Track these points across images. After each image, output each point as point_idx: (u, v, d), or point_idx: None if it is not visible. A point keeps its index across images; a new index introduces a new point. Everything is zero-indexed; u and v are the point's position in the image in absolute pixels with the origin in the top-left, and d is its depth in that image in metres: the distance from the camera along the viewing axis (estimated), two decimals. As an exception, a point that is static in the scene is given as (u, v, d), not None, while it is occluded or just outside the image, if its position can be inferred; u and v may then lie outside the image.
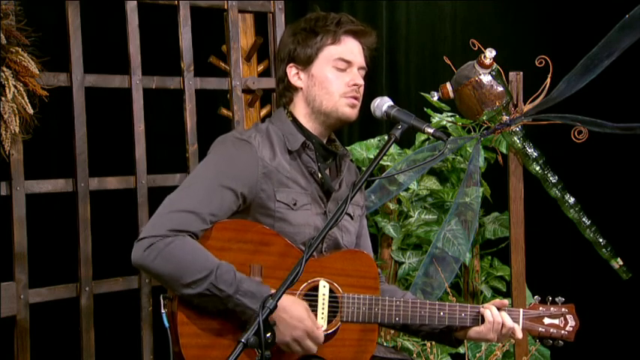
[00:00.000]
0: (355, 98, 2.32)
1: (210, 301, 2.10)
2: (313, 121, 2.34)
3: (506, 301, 2.38)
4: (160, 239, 2.08)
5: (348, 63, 2.32)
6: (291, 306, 2.11)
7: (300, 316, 2.11)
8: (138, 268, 2.15)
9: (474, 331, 2.35)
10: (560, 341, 2.40)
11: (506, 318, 2.33)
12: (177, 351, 2.12)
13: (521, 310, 2.39)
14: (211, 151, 2.30)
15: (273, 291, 2.09)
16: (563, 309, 2.41)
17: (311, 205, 2.30)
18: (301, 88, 2.34)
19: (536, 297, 2.42)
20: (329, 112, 2.32)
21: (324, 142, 2.36)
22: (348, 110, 2.32)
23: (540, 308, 2.40)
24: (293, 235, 2.24)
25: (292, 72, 2.34)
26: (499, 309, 2.34)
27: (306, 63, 2.32)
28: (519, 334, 2.34)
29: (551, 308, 2.40)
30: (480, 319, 2.34)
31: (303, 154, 2.31)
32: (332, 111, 2.31)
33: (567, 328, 2.39)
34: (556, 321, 2.40)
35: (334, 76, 2.31)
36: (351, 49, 2.33)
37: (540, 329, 2.39)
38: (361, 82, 2.33)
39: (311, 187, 2.31)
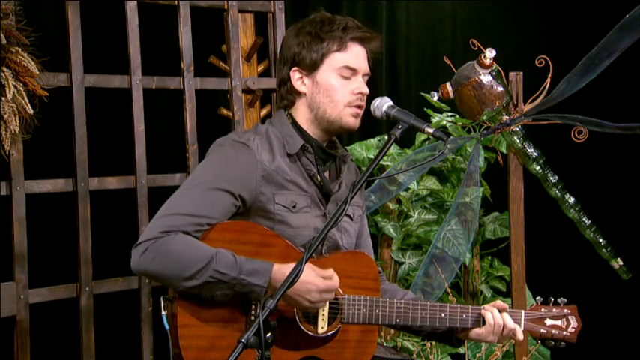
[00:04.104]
0: (359, 107, 2.31)
1: (217, 288, 2.10)
2: (315, 127, 2.33)
3: (506, 305, 2.37)
4: (154, 241, 2.09)
5: (354, 70, 2.30)
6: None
7: (307, 279, 2.11)
8: (138, 274, 2.16)
9: (475, 332, 2.34)
10: (562, 342, 2.40)
11: (507, 320, 2.32)
12: (177, 352, 2.12)
13: (522, 311, 2.39)
14: (209, 154, 2.29)
15: (276, 265, 2.10)
16: (565, 310, 2.40)
17: (310, 207, 2.29)
18: (305, 94, 2.32)
19: (538, 298, 2.41)
20: (332, 120, 2.31)
21: (324, 145, 2.35)
22: (352, 120, 2.31)
23: (542, 309, 2.39)
24: (293, 237, 2.24)
25: (296, 76, 2.32)
26: (500, 311, 2.33)
27: (310, 68, 2.30)
28: (520, 336, 2.34)
29: (553, 309, 2.39)
30: (481, 320, 2.34)
31: (302, 157, 2.30)
32: (335, 120, 2.30)
33: (569, 329, 2.39)
34: (558, 322, 2.39)
35: (339, 84, 2.29)
36: (356, 56, 2.30)
37: (542, 330, 2.38)
38: (367, 90, 2.31)
39: (311, 190, 2.30)
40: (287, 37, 2.35)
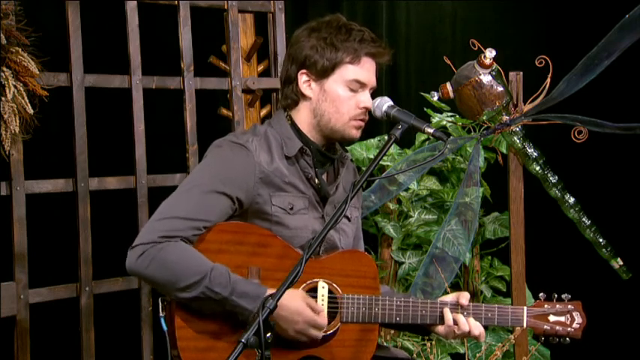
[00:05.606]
0: (363, 121, 2.31)
1: (207, 304, 2.10)
2: (316, 132, 2.33)
3: (465, 294, 2.34)
4: (152, 245, 2.09)
5: (363, 85, 2.29)
6: (289, 301, 2.10)
7: (297, 309, 2.11)
8: (133, 275, 2.16)
9: (437, 329, 2.34)
10: (567, 339, 2.38)
11: (460, 320, 2.30)
12: (175, 355, 2.12)
13: (524, 307, 2.38)
14: (207, 156, 2.29)
15: (270, 291, 2.10)
16: (569, 306, 2.38)
17: (308, 209, 2.29)
18: (310, 98, 2.31)
19: (541, 294, 2.39)
20: (336, 130, 2.30)
21: (323, 148, 2.34)
22: (354, 132, 2.31)
23: (545, 306, 2.38)
24: (290, 238, 2.24)
25: (303, 79, 2.31)
26: (457, 307, 2.32)
27: (320, 75, 2.28)
28: (474, 331, 2.31)
29: (557, 305, 2.38)
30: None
31: (300, 160, 2.30)
32: (339, 130, 2.30)
33: (574, 326, 2.37)
34: (562, 318, 2.37)
35: (347, 96, 2.28)
36: (368, 70, 2.30)
37: (545, 327, 2.36)
38: (371, 105, 2.30)
39: (309, 192, 2.30)
40: (300, 36, 2.32)
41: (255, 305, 2.07)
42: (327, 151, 2.36)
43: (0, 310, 2.74)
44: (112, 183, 3.03)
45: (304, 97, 2.32)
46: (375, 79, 2.33)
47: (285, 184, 2.26)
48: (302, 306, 2.13)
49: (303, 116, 2.33)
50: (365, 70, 2.29)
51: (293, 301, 2.11)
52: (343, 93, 2.28)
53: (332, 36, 2.27)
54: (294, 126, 2.32)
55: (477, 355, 3.35)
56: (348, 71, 2.28)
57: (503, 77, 3.14)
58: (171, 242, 2.09)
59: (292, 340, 2.16)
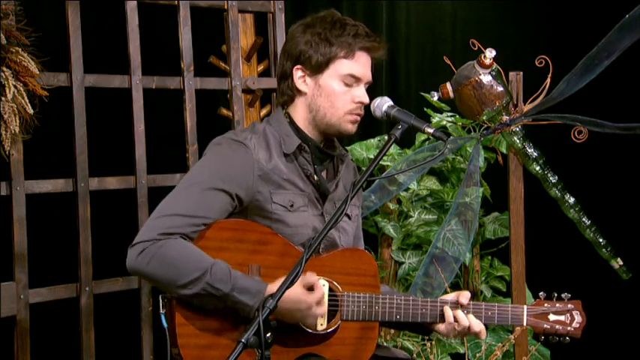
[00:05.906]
0: (359, 115, 2.32)
1: (208, 300, 2.10)
2: (313, 128, 2.33)
3: (465, 293, 2.34)
4: (152, 243, 2.09)
5: (358, 79, 2.30)
6: (287, 293, 2.08)
7: (295, 298, 2.10)
8: (133, 273, 2.16)
9: (438, 327, 2.34)
10: (566, 338, 2.38)
11: (460, 317, 2.31)
12: (176, 352, 2.12)
13: (525, 306, 2.38)
14: (206, 153, 2.29)
15: (270, 286, 2.10)
16: (569, 305, 2.38)
17: (308, 206, 2.29)
18: (305, 93, 2.32)
19: (541, 293, 2.40)
20: (331, 124, 2.31)
21: (321, 145, 2.35)
22: (350, 126, 2.32)
23: (545, 305, 2.38)
24: (291, 236, 2.24)
25: (298, 74, 2.31)
26: (457, 305, 2.32)
27: (314, 70, 2.29)
28: (475, 328, 2.31)
29: (557, 304, 2.38)
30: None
31: (299, 157, 2.30)
32: (334, 125, 2.31)
33: (574, 325, 2.37)
34: (562, 317, 2.38)
35: (342, 90, 2.29)
36: (362, 64, 2.30)
37: (545, 326, 2.37)
38: (367, 100, 2.30)
39: (308, 189, 2.30)
40: (295, 32, 2.33)
41: (255, 301, 2.08)
42: (326, 147, 2.36)
43: (0, 310, 2.74)
44: (112, 183, 3.03)
45: (299, 92, 2.33)
46: (370, 73, 2.33)
47: (284, 181, 2.26)
48: (299, 291, 2.11)
49: (299, 112, 2.34)
50: (359, 65, 2.30)
51: (290, 291, 2.09)
52: (338, 88, 2.29)
53: (326, 31, 2.27)
54: (292, 124, 2.33)
55: (477, 355, 3.35)
56: (343, 66, 2.28)
57: (503, 77, 3.14)
58: (170, 239, 2.09)
59: (292, 339, 2.17)
